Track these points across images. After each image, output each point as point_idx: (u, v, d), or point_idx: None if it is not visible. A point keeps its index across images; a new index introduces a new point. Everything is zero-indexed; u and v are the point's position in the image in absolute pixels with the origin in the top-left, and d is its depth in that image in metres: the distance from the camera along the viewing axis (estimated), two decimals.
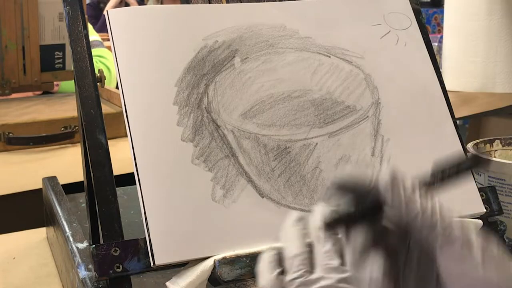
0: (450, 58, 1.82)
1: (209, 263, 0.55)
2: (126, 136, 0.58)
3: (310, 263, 0.48)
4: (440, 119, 0.69)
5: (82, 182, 0.64)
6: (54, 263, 0.81)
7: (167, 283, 0.55)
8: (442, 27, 1.96)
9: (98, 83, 0.62)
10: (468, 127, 2.22)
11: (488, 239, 0.46)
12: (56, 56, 1.57)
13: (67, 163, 1.17)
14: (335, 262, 0.48)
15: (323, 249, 0.48)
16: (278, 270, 0.48)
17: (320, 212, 0.49)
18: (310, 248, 0.49)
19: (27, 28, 1.50)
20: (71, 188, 0.89)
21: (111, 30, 0.62)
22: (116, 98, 1.44)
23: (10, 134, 1.25)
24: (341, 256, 0.48)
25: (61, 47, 1.57)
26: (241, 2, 0.70)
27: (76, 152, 1.24)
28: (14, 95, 1.57)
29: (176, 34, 0.63)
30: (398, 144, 0.66)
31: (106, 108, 1.37)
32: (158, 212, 0.56)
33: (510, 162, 0.79)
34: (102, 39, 1.98)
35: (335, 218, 0.47)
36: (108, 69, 1.81)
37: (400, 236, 0.46)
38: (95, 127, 0.59)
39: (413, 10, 0.74)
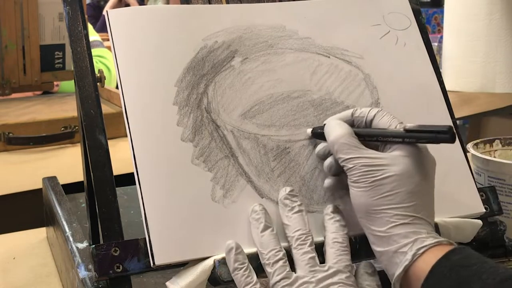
0: (450, 58, 1.82)
1: (209, 263, 0.55)
2: (126, 136, 0.58)
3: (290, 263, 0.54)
4: (440, 119, 0.69)
5: (82, 182, 0.64)
6: (54, 263, 0.81)
7: (167, 283, 0.55)
8: (442, 27, 1.96)
9: (98, 83, 0.62)
10: (468, 127, 2.22)
11: None
12: (56, 56, 1.57)
13: (67, 163, 1.18)
14: (314, 260, 0.54)
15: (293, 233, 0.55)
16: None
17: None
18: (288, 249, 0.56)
19: (27, 28, 1.50)
20: (71, 188, 0.89)
21: (111, 30, 0.62)
22: (116, 98, 1.44)
23: (10, 134, 1.25)
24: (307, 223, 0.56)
25: (61, 47, 1.57)
26: (241, 3, 0.70)
27: (76, 152, 1.24)
28: (14, 95, 1.57)
29: (176, 34, 0.63)
30: None
31: (106, 108, 1.38)
32: (158, 212, 0.56)
33: (510, 162, 0.79)
34: (102, 39, 1.99)
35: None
36: (108, 69, 1.82)
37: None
38: (95, 127, 0.60)
39: (412, 10, 0.74)
